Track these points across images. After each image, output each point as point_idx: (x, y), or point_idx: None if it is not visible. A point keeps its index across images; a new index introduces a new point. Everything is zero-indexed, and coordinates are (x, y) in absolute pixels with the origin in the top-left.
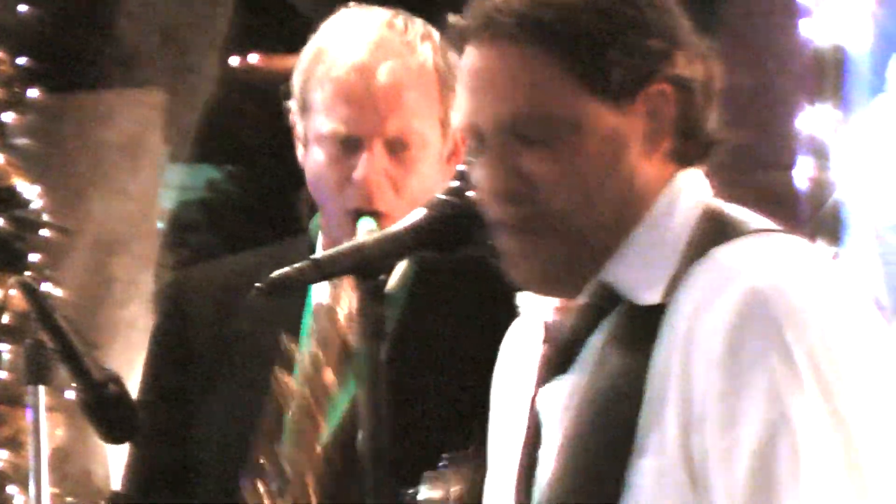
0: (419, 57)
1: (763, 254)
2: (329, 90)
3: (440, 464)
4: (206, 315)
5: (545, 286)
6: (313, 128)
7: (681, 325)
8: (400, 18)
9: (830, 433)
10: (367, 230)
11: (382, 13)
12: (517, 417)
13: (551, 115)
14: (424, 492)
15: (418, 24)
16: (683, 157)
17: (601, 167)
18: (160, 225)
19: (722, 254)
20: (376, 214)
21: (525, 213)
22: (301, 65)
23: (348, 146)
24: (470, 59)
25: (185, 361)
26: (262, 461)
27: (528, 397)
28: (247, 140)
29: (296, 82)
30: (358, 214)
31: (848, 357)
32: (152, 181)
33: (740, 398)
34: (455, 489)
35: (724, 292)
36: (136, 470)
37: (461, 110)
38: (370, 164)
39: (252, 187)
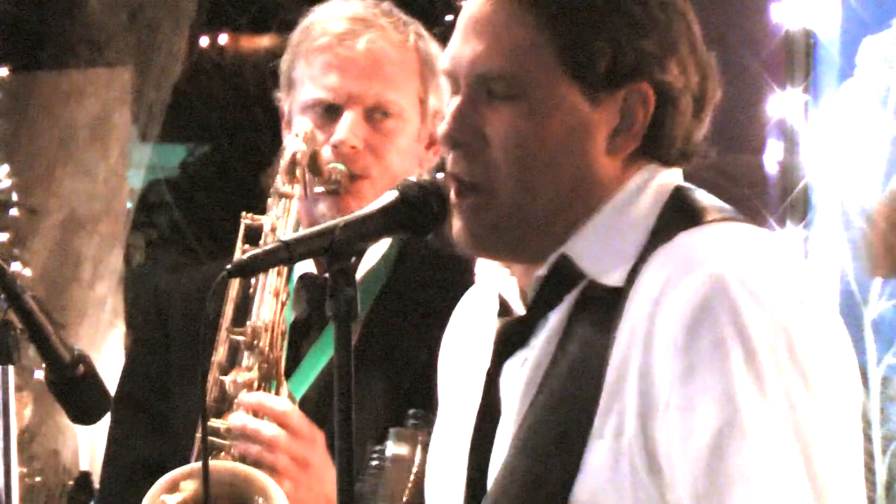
0: (402, 35)
1: (727, 241)
2: (312, 61)
3: (407, 422)
4: (181, 315)
5: (481, 246)
6: (297, 100)
7: (642, 309)
8: (386, 4)
9: (786, 431)
10: (333, 168)
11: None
12: (468, 388)
13: (524, 81)
14: (391, 447)
15: (403, 14)
16: (652, 158)
17: (556, 146)
18: (128, 204)
19: (686, 239)
20: (351, 175)
21: (472, 168)
22: (289, 46)
23: (329, 113)
24: (469, 4)
25: (164, 359)
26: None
27: (480, 369)
28: (214, 119)
29: (283, 63)
30: None
31: (806, 347)
32: (120, 161)
33: (698, 385)
34: (420, 445)
35: (686, 277)
36: (116, 462)
37: (448, 52)
38: (348, 128)
39: (219, 166)
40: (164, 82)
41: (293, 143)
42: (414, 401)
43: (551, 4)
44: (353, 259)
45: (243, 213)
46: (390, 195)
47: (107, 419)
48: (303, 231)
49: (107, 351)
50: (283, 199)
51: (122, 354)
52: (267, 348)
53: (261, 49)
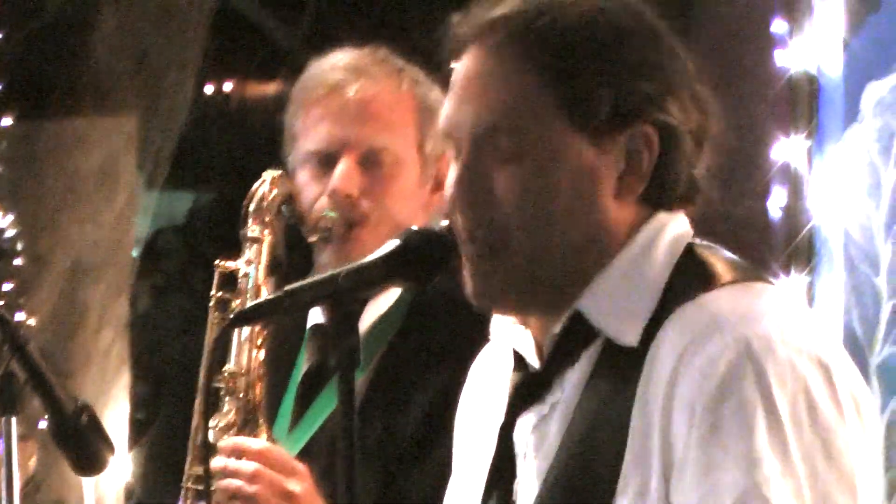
0: (394, 81)
1: (747, 303)
2: (307, 114)
3: None
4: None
5: (497, 304)
6: (298, 153)
7: (664, 368)
8: (381, 52)
9: (806, 500)
10: (325, 217)
11: (365, 49)
12: (483, 443)
13: (527, 135)
14: None
15: (399, 60)
16: (659, 202)
17: (566, 197)
18: (134, 253)
19: (708, 300)
20: (349, 221)
21: (484, 227)
22: (289, 101)
23: (325, 163)
24: (463, 63)
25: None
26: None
27: (494, 424)
28: (220, 167)
29: (285, 119)
30: None
31: (827, 411)
32: (126, 208)
33: (721, 449)
34: None
35: (711, 339)
36: None
37: (441, 117)
38: (342, 175)
39: (225, 214)
40: (169, 130)
41: (259, 187)
42: (420, 449)
43: (547, 55)
44: (357, 307)
45: (216, 261)
46: (392, 243)
47: (111, 469)
48: (305, 280)
49: (112, 400)
50: (255, 244)
51: (127, 403)
52: (245, 393)
53: (267, 96)
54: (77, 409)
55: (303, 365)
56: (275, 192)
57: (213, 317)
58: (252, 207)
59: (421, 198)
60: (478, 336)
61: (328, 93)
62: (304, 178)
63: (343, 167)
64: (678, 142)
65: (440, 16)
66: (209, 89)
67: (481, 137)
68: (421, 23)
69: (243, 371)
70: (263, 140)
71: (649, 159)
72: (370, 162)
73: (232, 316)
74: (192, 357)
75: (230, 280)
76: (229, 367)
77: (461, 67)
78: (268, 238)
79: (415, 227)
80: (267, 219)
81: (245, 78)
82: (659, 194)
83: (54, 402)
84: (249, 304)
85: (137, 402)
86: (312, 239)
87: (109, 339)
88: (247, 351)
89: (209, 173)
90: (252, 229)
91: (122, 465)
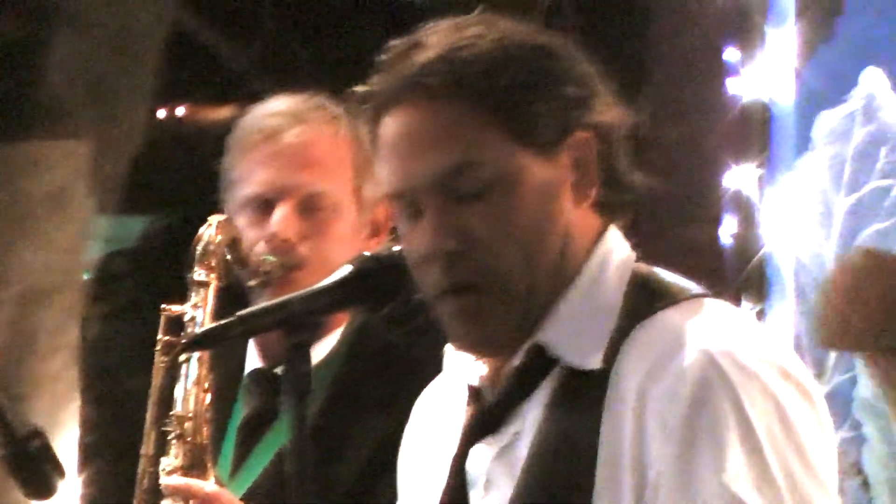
0: (332, 126)
1: (708, 318)
2: (244, 159)
3: None
4: None
5: (488, 349)
6: (236, 199)
7: (630, 390)
8: (318, 98)
9: None
10: (264, 261)
11: (302, 95)
12: (434, 477)
13: (485, 168)
14: None
15: (336, 106)
16: (608, 208)
17: (537, 219)
18: (86, 276)
19: (666, 318)
20: (287, 267)
21: (466, 274)
22: (226, 147)
23: (263, 209)
24: (394, 124)
25: None
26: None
27: (445, 456)
28: (173, 191)
29: (223, 164)
30: None
31: (798, 420)
32: (78, 232)
33: (696, 466)
34: None
35: (675, 357)
36: None
37: (390, 178)
38: (280, 220)
39: (178, 239)
40: (123, 154)
41: (205, 231)
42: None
43: (480, 90)
44: (310, 334)
45: (162, 305)
46: (345, 269)
47: (62, 494)
48: (258, 305)
49: (63, 425)
50: (201, 288)
51: (77, 428)
52: (192, 436)
53: (220, 121)
54: (28, 434)
55: (241, 410)
56: (220, 236)
57: (158, 360)
58: (198, 251)
59: (358, 243)
60: (418, 379)
61: (265, 138)
62: (243, 224)
63: (281, 212)
64: (611, 138)
65: (393, 38)
66: (162, 113)
67: (443, 184)
68: (373, 46)
69: (190, 415)
70: (217, 164)
71: (594, 160)
72: (308, 207)
73: (183, 341)
74: (143, 383)
75: (177, 324)
76: (176, 410)
77: (396, 125)
78: (213, 282)
79: (367, 253)
80: (213, 263)
81: (198, 102)
82: (609, 198)
83: (5, 426)
84: (202, 329)
85: (88, 428)
86: (252, 283)
87: (60, 364)
88: (194, 394)
89: (162, 198)
90: (198, 273)
91: (72, 490)
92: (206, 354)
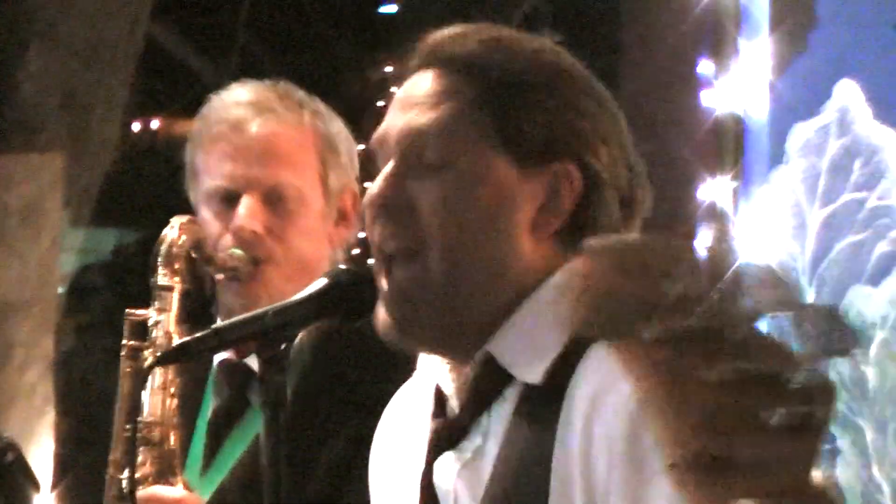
0: (295, 116)
1: None
2: (209, 150)
3: None
4: None
5: (407, 332)
6: (200, 190)
7: (580, 408)
8: (281, 85)
9: None
10: (231, 255)
11: (265, 82)
12: (404, 486)
13: (455, 150)
14: None
15: (301, 92)
16: (574, 245)
17: (484, 215)
18: (60, 289)
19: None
20: (254, 259)
21: (401, 236)
22: (189, 135)
23: (228, 201)
24: (404, 84)
25: None
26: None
27: (416, 467)
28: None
29: (186, 153)
30: None
31: None
32: (52, 245)
33: (644, 484)
34: None
35: (622, 376)
36: None
37: (379, 128)
38: (246, 213)
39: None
40: (96, 167)
41: (168, 233)
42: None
43: (488, 79)
44: (284, 346)
45: (126, 310)
46: (320, 282)
47: None
48: (233, 318)
49: (38, 437)
50: (165, 292)
51: (52, 441)
52: (160, 442)
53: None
54: (2, 447)
55: (211, 401)
56: (183, 237)
57: (124, 365)
58: (161, 254)
59: (325, 232)
60: (391, 377)
61: (230, 129)
62: (207, 216)
63: (246, 205)
64: (601, 188)
65: (364, 52)
66: (136, 126)
67: (408, 145)
68: (347, 59)
69: (158, 420)
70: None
71: (570, 197)
72: (274, 199)
73: (158, 355)
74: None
75: (142, 329)
76: (143, 416)
77: (406, 85)
78: (178, 285)
79: (343, 266)
80: (177, 266)
81: (172, 115)
82: (575, 237)
83: None
84: (174, 343)
85: (62, 440)
86: (219, 278)
87: (35, 377)
88: (160, 399)
89: (136, 210)
90: (162, 277)
91: (46, 503)
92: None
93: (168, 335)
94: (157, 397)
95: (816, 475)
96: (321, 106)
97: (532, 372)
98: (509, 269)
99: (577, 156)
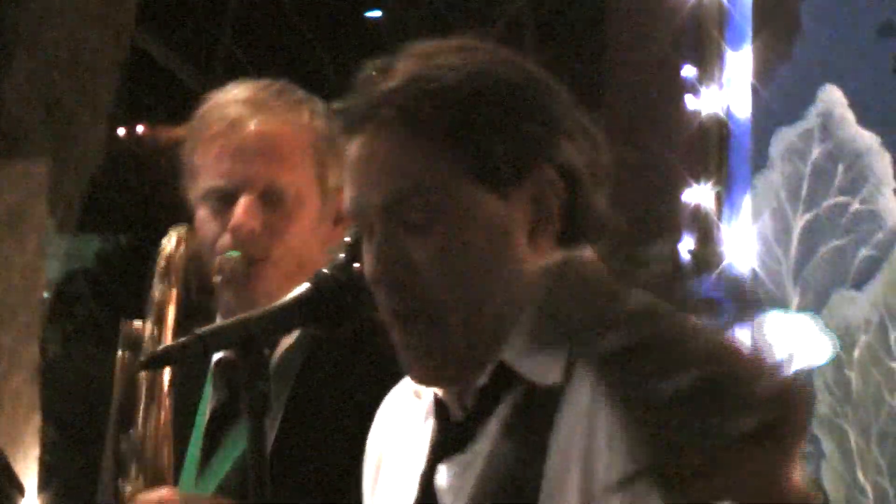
0: (293, 114)
1: None
2: (206, 149)
3: None
4: None
5: (436, 382)
6: (197, 188)
7: (582, 402)
8: (279, 84)
9: None
10: (227, 258)
11: (263, 81)
12: (401, 489)
13: (432, 200)
14: None
15: (299, 91)
16: (571, 242)
17: (483, 255)
18: (45, 296)
19: None
20: (250, 259)
21: (408, 302)
22: (187, 133)
23: (226, 200)
24: (355, 148)
25: None
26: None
27: (413, 469)
28: (131, 210)
29: (184, 152)
30: None
31: None
32: (36, 252)
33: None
34: None
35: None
36: None
37: (348, 200)
38: (243, 212)
39: (136, 257)
40: (81, 174)
41: (167, 245)
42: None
43: (435, 123)
44: (267, 352)
45: (122, 320)
46: (303, 287)
47: None
48: (217, 323)
49: (23, 443)
50: (161, 305)
51: (37, 447)
52: (151, 457)
53: (179, 139)
54: None
55: (209, 399)
56: (182, 248)
57: (118, 377)
58: (161, 265)
59: (322, 232)
60: (386, 376)
61: (227, 128)
62: (204, 215)
63: (244, 204)
64: (579, 178)
65: (351, 57)
66: (121, 133)
67: (390, 212)
68: (333, 67)
69: (151, 434)
70: (175, 183)
71: (556, 201)
72: (271, 198)
73: (142, 359)
74: (103, 401)
75: (137, 340)
76: (135, 430)
77: (357, 149)
78: (174, 297)
79: (325, 270)
80: (174, 277)
81: (157, 121)
82: (572, 234)
83: None
84: (161, 347)
85: (48, 446)
86: (216, 280)
87: (20, 383)
88: (154, 414)
89: (121, 217)
90: (158, 289)
91: None
92: (165, 373)
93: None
94: (150, 410)
95: (799, 483)
96: (320, 105)
97: (548, 374)
98: (515, 290)
99: (547, 159)
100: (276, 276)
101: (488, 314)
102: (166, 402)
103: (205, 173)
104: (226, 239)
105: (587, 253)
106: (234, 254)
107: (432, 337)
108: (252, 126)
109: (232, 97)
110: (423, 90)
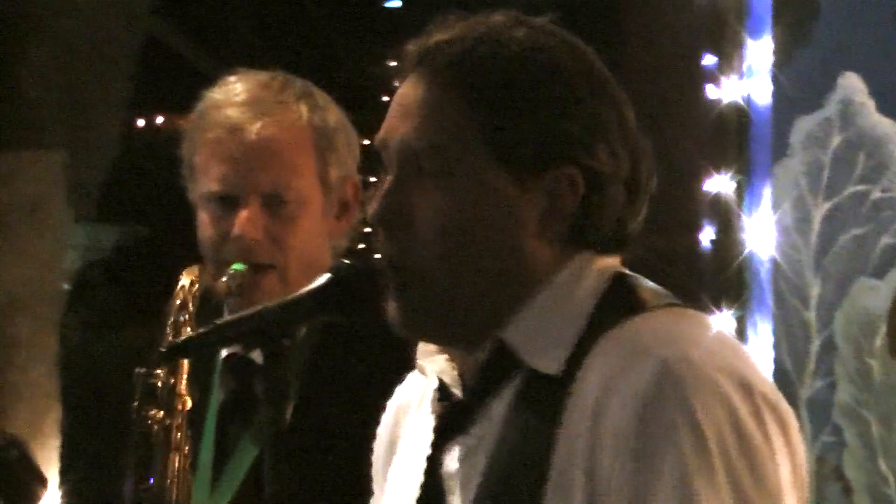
0: (293, 114)
1: (672, 327)
2: (206, 152)
3: None
4: None
5: (414, 329)
6: (197, 190)
7: (589, 397)
8: (278, 80)
9: None
10: (234, 274)
11: (261, 75)
12: (409, 473)
13: (450, 162)
14: None
15: (297, 85)
16: (584, 245)
17: (485, 230)
18: (64, 286)
19: (631, 326)
20: (255, 267)
21: (399, 249)
22: (186, 131)
23: (227, 205)
24: (403, 85)
25: None
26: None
27: (420, 453)
28: (150, 200)
29: (183, 150)
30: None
31: (752, 432)
32: (55, 242)
33: (649, 474)
34: None
35: (634, 366)
36: None
37: (382, 128)
38: (246, 220)
39: (154, 247)
40: (99, 164)
41: (179, 291)
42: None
43: (478, 87)
44: (286, 342)
45: (136, 370)
46: (323, 277)
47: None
48: (235, 314)
49: (42, 434)
50: (176, 354)
51: (57, 438)
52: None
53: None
54: (6, 444)
55: (218, 396)
56: (195, 288)
57: (135, 427)
58: (174, 309)
59: (326, 228)
60: (399, 364)
61: (227, 133)
62: (205, 219)
63: (246, 212)
64: (604, 187)
65: (368, 47)
66: (140, 122)
67: (406, 159)
68: (348, 54)
69: (171, 481)
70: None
71: (572, 202)
72: (274, 203)
73: (160, 350)
74: (122, 391)
75: (152, 390)
76: (157, 478)
77: (401, 88)
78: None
79: (346, 261)
80: (186, 317)
81: (174, 110)
82: (583, 237)
83: None
84: (180, 338)
85: (67, 437)
86: (224, 295)
87: (39, 374)
88: (172, 459)
89: (139, 206)
90: (173, 338)
91: (53, 500)
92: (184, 423)
93: (180, 398)
94: (170, 458)
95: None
96: (318, 97)
97: (548, 361)
98: (516, 274)
99: (574, 158)
100: (280, 282)
101: (480, 285)
102: (185, 448)
103: (205, 176)
104: (230, 249)
105: (611, 259)
106: (240, 268)
107: (412, 286)
108: (253, 133)
109: (231, 97)
110: (479, 52)
